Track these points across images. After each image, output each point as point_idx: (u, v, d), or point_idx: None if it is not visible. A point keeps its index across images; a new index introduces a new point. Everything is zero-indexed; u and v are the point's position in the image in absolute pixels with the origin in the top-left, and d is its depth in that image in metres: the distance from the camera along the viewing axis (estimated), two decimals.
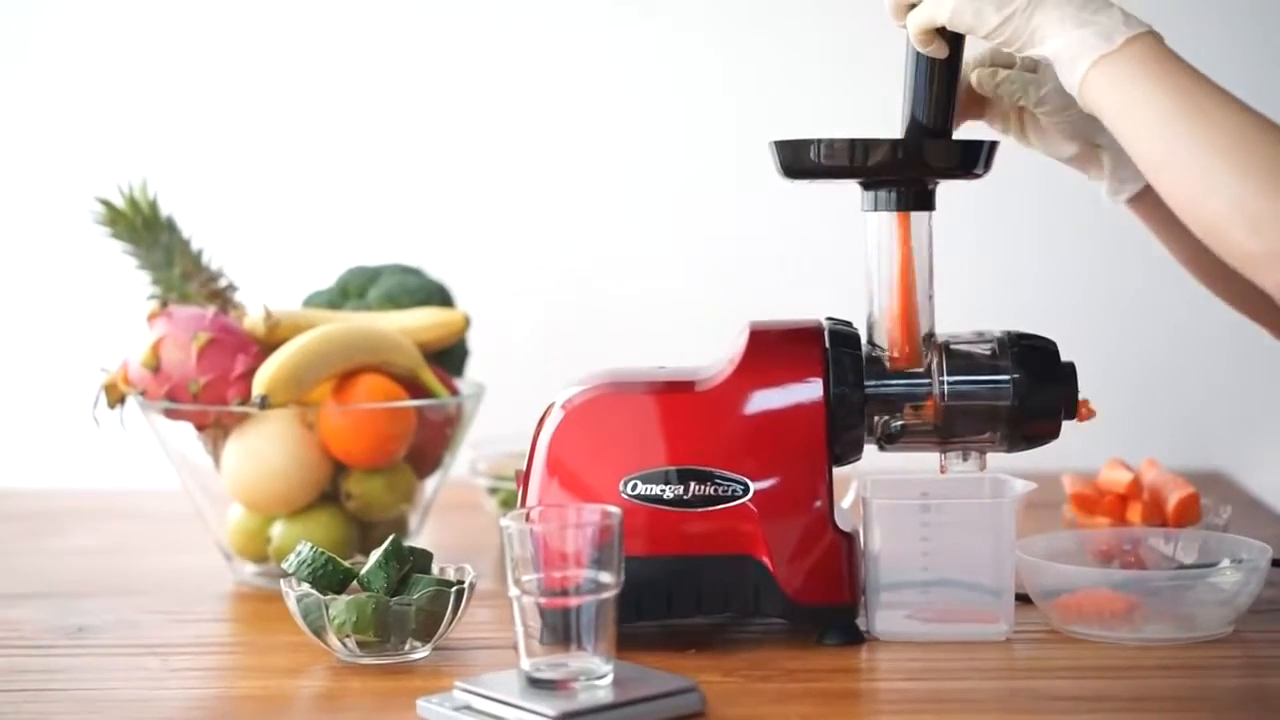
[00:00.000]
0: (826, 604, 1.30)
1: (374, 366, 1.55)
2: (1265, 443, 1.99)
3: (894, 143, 1.29)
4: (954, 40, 1.27)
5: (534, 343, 2.01)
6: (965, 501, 1.34)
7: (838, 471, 1.31)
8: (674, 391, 1.31)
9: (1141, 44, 1.18)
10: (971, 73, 1.33)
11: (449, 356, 1.68)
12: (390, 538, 1.33)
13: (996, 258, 2.02)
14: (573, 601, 1.14)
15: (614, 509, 1.17)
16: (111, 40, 2.06)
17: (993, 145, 1.30)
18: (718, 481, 1.29)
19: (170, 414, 1.54)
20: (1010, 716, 1.18)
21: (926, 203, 1.32)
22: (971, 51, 1.32)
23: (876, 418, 1.31)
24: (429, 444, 1.58)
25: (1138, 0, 1.24)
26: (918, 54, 1.28)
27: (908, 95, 1.30)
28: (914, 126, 1.30)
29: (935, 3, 1.24)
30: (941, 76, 1.29)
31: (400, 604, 1.27)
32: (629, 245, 2.05)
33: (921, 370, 1.31)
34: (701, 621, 1.32)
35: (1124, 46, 1.18)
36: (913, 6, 1.26)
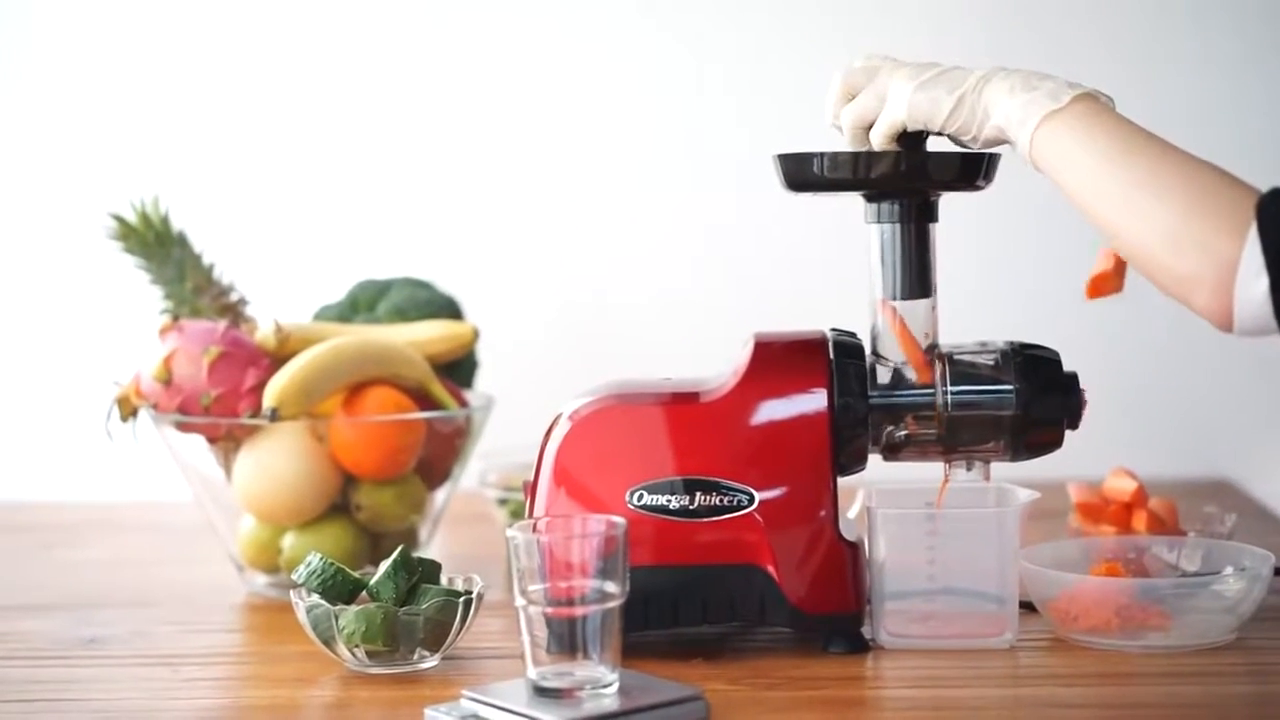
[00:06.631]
0: (832, 613, 1.31)
1: (384, 379, 1.57)
2: (1272, 450, 1.99)
3: (896, 155, 1.30)
4: (916, 148, 1.30)
5: (543, 355, 2.02)
6: (970, 511, 1.35)
7: (843, 481, 1.32)
8: (680, 403, 1.32)
9: (1087, 101, 1.24)
10: None
11: (458, 369, 1.69)
12: (399, 548, 1.34)
13: (999, 266, 2.02)
14: (579, 611, 1.15)
15: (619, 519, 1.18)
16: (123, 57, 2.07)
17: (994, 157, 1.31)
18: (723, 492, 1.30)
19: (182, 427, 1.55)
20: None
21: (929, 215, 1.33)
22: None
23: (881, 428, 1.33)
24: (438, 456, 1.60)
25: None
26: None
27: None
28: None
29: (891, 108, 1.28)
30: None
31: (409, 614, 1.29)
32: (636, 258, 2.06)
33: (925, 381, 1.32)
34: (707, 631, 1.34)
35: (1071, 104, 1.23)
36: (869, 127, 1.29)
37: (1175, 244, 1.17)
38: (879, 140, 1.29)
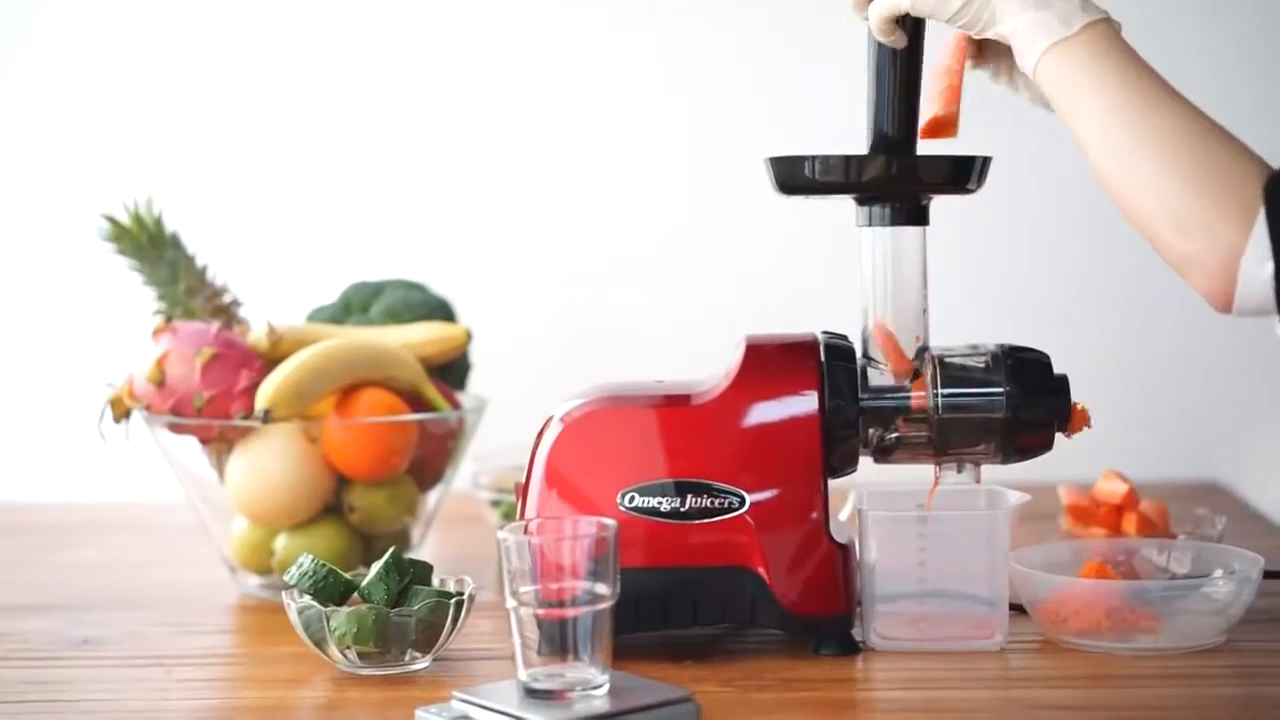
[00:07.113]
0: (822, 615, 1.31)
1: (376, 381, 1.57)
2: (1262, 454, 1.99)
3: (887, 159, 1.31)
4: (914, 31, 1.29)
5: (535, 357, 2.02)
6: (960, 513, 1.35)
7: (834, 483, 1.32)
8: (671, 405, 1.33)
9: (1097, 31, 1.20)
10: None
11: (451, 371, 1.69)
12: (391, 550, 1.34)
13: (991, 268, 2.03)
14: (569, 613, 1.16)
15: (609, 521, 1.18)
16: (117, 58, 2.07)
17: (985, 160, 1.32)
18: (714, 494, 1.30)
19: (175, 428, 1.56)
20: None
21: (920, 218, 1.33)
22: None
23: (871, 430, 1.33)
24: (431, 457, 1.60)
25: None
26: (879, 51, 1.30)
27: (871, 98, 1.31)
28: (878, 133, 1.31)
29: None
30: (903, 74, 1.30)
31: (400, 615, 1.29)
32: (629, 261, 2.06)
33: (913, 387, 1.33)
34: (698, 632, 1.34)
35: (1080, 32, 1.20)
36: None
37: (1179, 223, 1.16)
38: (876, 19, 1.27)
